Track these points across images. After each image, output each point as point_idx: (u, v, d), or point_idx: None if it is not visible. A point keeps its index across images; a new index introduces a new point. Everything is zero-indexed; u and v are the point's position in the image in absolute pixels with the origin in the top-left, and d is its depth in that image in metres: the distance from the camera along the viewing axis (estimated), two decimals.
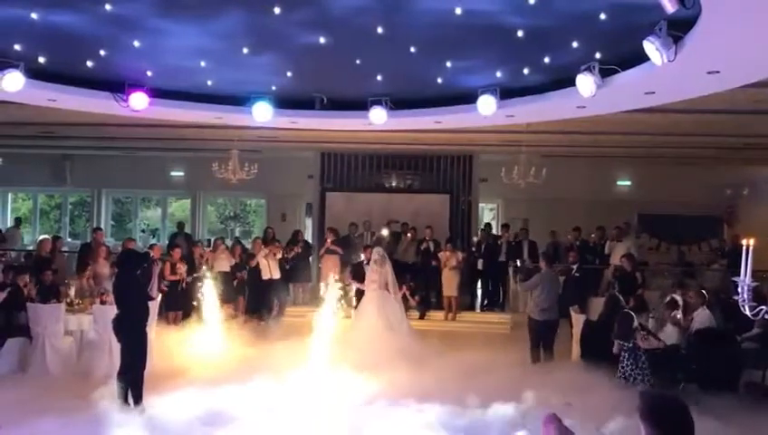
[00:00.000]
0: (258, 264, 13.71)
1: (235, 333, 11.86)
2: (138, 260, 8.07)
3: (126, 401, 7.42)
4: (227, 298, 12.22)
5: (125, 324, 7.58)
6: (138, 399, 7.48)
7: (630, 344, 8.75)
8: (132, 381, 7.50)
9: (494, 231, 16.71)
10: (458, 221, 17.27)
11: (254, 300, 13.70)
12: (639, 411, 2.57)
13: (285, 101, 9.79)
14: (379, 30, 7.14)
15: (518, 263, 14.02)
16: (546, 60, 7.89)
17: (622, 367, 8.72)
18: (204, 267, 12.37)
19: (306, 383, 8.26)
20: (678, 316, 9.37)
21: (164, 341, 10.43)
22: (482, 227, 17.00)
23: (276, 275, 13.86)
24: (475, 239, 15.95)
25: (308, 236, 17.45)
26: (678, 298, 9.59)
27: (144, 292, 7.94)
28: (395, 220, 15.94)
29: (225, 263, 13.11)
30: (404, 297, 14.24)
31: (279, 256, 14.00)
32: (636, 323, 8.85)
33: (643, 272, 12.44)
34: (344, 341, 9.93)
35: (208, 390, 7.93)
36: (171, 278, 11.74)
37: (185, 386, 8.09)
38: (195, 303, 11.91)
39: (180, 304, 11.95)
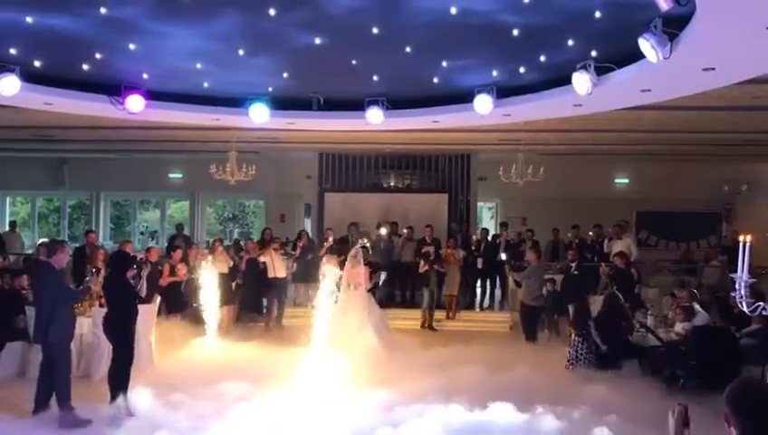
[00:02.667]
0: (257, 262, 13.66)
1: (225, 335, 11.88)
2: (125, 262, 8.10)
3: (120, 399, 7.46)
4: (224, 300, 12.18)
5: (113, 324, 7.62)
6: (123, 395, 7.50)
7: (584, 332, 9.44)
8: (118, 379, 7.56)
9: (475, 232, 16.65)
10: (457, 220, 17.25)
11: (251, 301, 13.59)
12: (724, 395, 2.57)
13: (282, 102, 9.82)
14: (375, 30, 7.15)
15: (503, 257, 13.99)
16: (542, 58, 7.91)
17: (575, 352, 9.43)
18: (195, 269, 12.28)
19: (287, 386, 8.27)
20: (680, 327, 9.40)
21: (160, 341, 10.50)
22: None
23: (281, 274, 13.75)
24: (474, 238, 15.94)
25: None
26: (698, 307, 9.60)
27: (133, 292, 7.96)
28: (386, 221, 15.90)
29: (223, 265, 13.05)
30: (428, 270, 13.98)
31: (281, 251, 13.83)
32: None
33: (638, 269, 12.42)
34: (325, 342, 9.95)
35: (199, 391, 7.93)
36: (171, 280, 11.72)
37: (177, 387, 8.08)
38: (189, 303, 11.94)
39: (180, 306, 11.93)
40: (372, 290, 11.69)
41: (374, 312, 11.34)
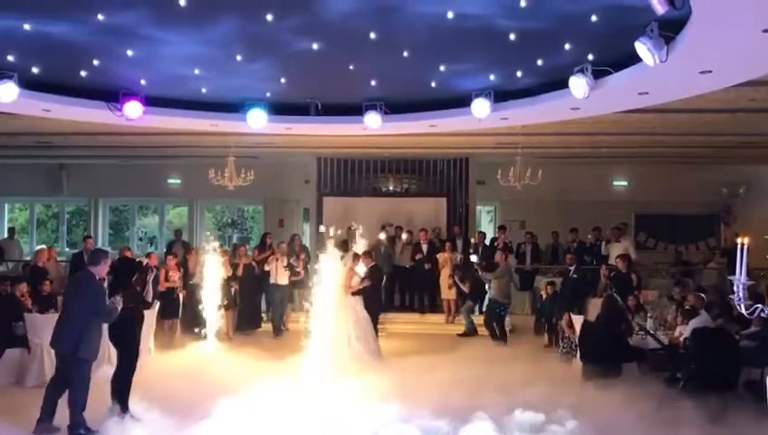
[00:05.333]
0: (253, 268, 13.63)
1: (224, 340, 11.88)
2: (131, 268, 8.08)
3: (121, 407, 7.44)
4: (224, 305, 12.15)
5: (119, 329, 7.59)
6: (124, 404, 7.49)
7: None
8: (121, 386, 7.54)
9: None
10: (455, 223, 17.26)
11: (249, 308, 13.47)
12: None
13: (280, 108, 9.82)
14: (372, 35, 7.17)
15: (474, 258, 13.98)
16: (539, 62, 7.93)
17: (565, 344, 10.78)
18: (194, 275, 12.23)
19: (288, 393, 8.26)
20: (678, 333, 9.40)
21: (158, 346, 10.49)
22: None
23: (283, 280, 13.59)
24: (472, 241, 15.95)
25: (306, 241, 17.41)
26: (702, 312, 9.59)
27: (138, 299, 7.94)
28: (389, 223, 15.93)
29: (223, 270, 12.96)
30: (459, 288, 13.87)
31: (284, 263, 13.63)
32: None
33: (638, 273, 12.40)
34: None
35: (196, 397, 7.88)
36: (167, 285, 11.70)
37: (175, 392, 8.08)
38: (184, 310, 11.92)
39: (176, 312, 11.92)
40: (360, 294, 11.37)
41: (357, 317, 11.11)
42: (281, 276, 13.52)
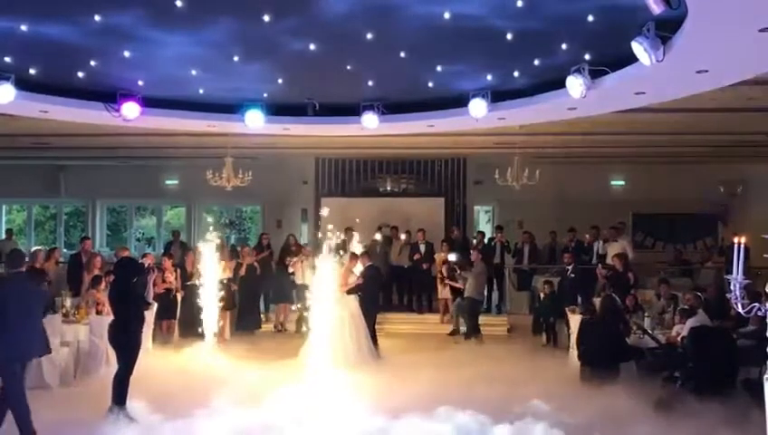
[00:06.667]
0: (255, 268, 13.61)
1: (223, 341, 11.87)
2: (134, 268, 8.07)
3: (118, 407, 7.44)
4: (224, 306, 12.13)
5: (119, 330, 7.60)
6: (122, 404, 7.49)
7: None
8: (119, 387, 7.53)
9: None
10: (453, 224, 17.27)
11: (246, 310, 13.41)
12: None
13: (277, 108, 9.83)
14: (369, 36, 7.18)
15: (453, 257, 13.99)
16: (536, 62, 7.94)
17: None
18: (193, 276, 12.21)
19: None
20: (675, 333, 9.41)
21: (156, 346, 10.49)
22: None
23: (309, 280, 13.51)
24: (473, 241, 15.96)
25: (304, 242, 17.39)
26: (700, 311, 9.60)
27: (140, 299, 7.93)
28: (386, 224, 15.94)
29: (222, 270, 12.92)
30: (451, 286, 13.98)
31: (306, 263, 13.44)
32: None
33: (635, 272, 12.43)
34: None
35: (196, 399, 7.86)
36: (162, 287, 11.69)
37: (174, 394, 8.09)
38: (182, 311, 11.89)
39: (173, 313, 11.90)
40: (355, 293, 11.33)
41: (352, 316, 11.11)
42: (307, 276, 13.46)
